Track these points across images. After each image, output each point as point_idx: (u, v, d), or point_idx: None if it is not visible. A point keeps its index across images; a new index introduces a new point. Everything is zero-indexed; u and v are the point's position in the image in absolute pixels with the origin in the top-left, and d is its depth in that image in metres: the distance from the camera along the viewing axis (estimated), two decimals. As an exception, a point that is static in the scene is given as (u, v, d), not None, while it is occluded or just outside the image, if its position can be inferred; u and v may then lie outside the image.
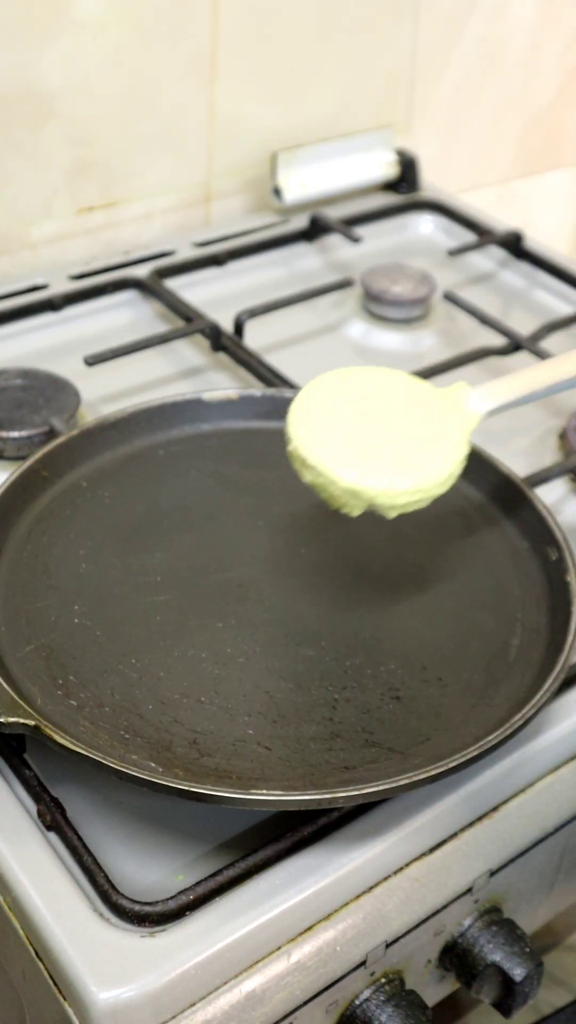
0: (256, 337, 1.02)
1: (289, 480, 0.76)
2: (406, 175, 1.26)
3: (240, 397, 0.86)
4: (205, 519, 0.79)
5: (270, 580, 0.75)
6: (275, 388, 0.91)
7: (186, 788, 0.59)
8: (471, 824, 0.67)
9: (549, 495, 0.85)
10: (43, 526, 0.76)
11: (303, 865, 0.61)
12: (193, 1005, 0.58)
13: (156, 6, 1.07)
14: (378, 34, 1.24)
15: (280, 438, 0.84)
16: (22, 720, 0.61)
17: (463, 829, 0.67)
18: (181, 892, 0.59)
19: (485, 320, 1.04)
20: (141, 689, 0.67)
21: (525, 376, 0.74)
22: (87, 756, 0.59)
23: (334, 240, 1.19)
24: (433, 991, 0.72)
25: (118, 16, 1.05)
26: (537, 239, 1.21)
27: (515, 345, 1.01)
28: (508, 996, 0.69)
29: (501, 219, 1.26)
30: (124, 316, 1.06)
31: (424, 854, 0.65)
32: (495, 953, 0.69)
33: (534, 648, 0.70)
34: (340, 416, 0.70)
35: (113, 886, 0.59)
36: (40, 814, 0.63)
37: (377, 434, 0.69)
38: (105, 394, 0.96)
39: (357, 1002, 0.66)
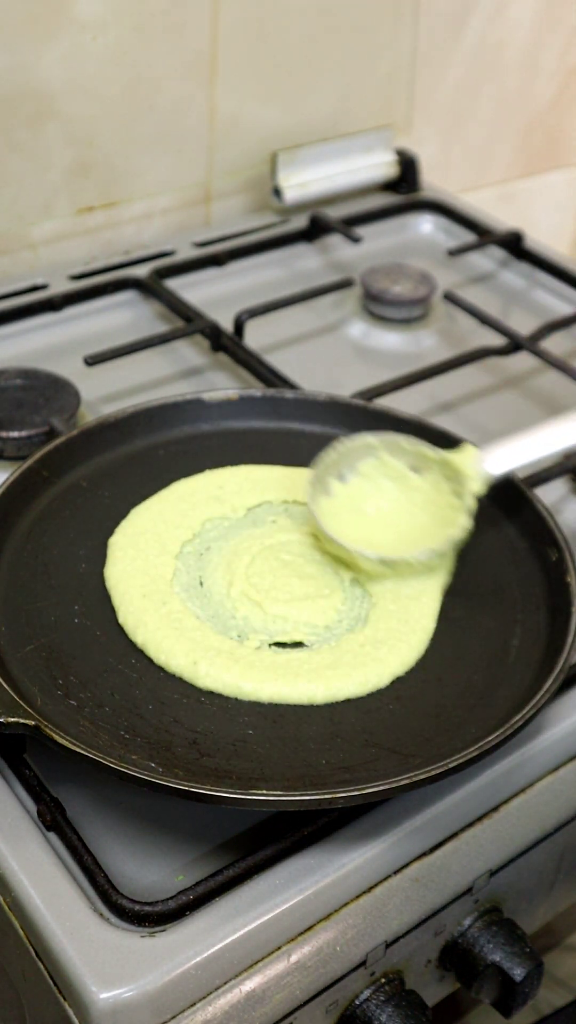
0: (256, 337, 1.02)
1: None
2: (406, 175, 1.26)
3: (240, 397, 0.86)
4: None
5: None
6: (275, 388, 0.92)
7: (186, 788, 0.59)
8: (471, 824, 0.67)
9: (549, 495, 0.85)
10: (43, 526, 0.76)
11: (303, 865, 0.61)
12: (193, 1005, 0.58)
13: (156, 6, 1.07)
14: (378, 34, 1.24)
15: (280, 438, 0.85)
16: (22, 720, 0.61)
17: (463, 829, 0.67)
18: (181, 892, 0.59)
19: (485, 320, 1.04)
20: (141, 689, 0.67)
21: (536, 439, 0.76)
22: (87, 756, 0.59)
23: (334, 240, 1.19)
24: (433, 991, 0.72)
25: (118, 16, 1.05)
26: (537, 239, 1.21)
27: (515, 345, 1.01)
28: (508, 996, 0.69)
29: (501, 219, 1.26)
30: (124, 316, 1.06)
31: (424, 854, 0.65)
32: (495, 953, 0.69)
33: (534, 648, 0.70)
34: (355, 502, 0.76)
35: (113, 886, 0.59)
36: (40, 814, 0.63)
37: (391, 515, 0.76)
38: (105, 394, 0.96)
39: (357, 1002, 0.66)
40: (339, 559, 0.74)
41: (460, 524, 0.73)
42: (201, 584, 0.73)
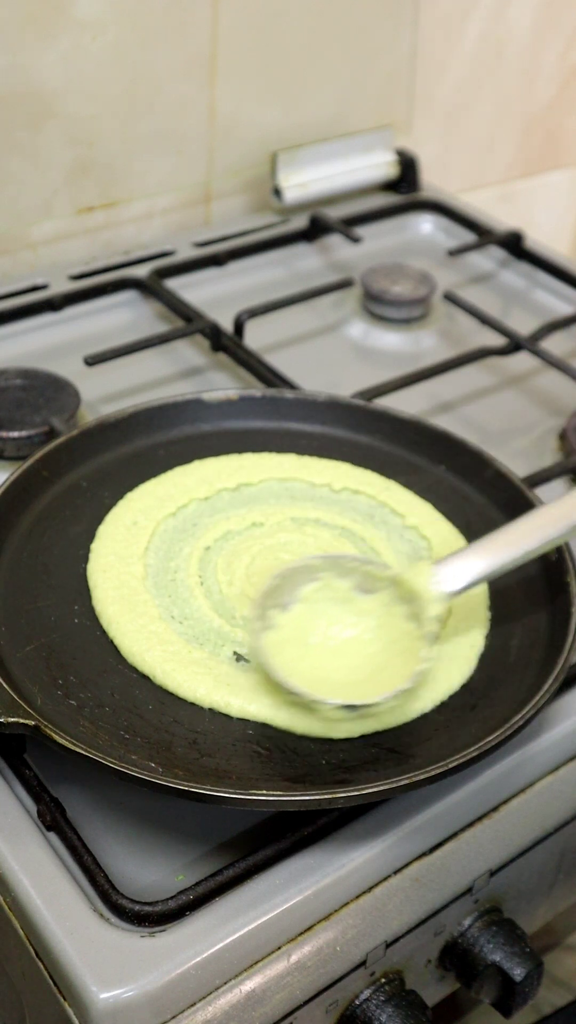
0: (256, 337, 1.02)
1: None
2: (406, 175, 1.26)
3: (240, 397, 0.86)
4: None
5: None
6: (275, 388, 0.92)
7: (186, 788, 0.59)
8: (471, 824, 0.67)
9: (549, 495, 0.85)
10: (43, 526, 0.76)
11: (303, 865, 0.61)
12: (193, 1005, 0.58)
13: (156, 6, 1.07)
14: (378, 34, 1.24)
15: (280, 438, 0.85)
16: (22, 720, 0.61)
17: (463, 829, 0.67)
18: (181, 892, 0.59)
19: (485, 320, 1.04)
20: (141, 689, 0.67)
21: (497, 545, 0.68)
22: (87, 756, 0.59)
23: (334, 240, 1.19)
24: (433, 991, 0.71)
25: (118, 16, 1.05)
26: (537, 239, 1.21)
27: (515, 345, 1.01)
28: (508, 996, 0.69)
29: (501, 219, 1.26)
30: (124, 316, 1.06)
31: (424, 854, 0.65)
32: (495, 953, 0.69)
33: (534, 648, 0.70)
34: (306, 646, 0.67)
35: (113, 886, 0.59)
36: (40, 814, 0.63)
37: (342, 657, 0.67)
38: (105, 394, 0.96)
39: (357, 1002, 0.66)
40: (371, 549, 0.73)
41: (424, 657, 0.65)
42: (173, 578, 0.73)
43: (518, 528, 0.69)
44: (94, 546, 0.74)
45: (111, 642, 0.69)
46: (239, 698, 0.65)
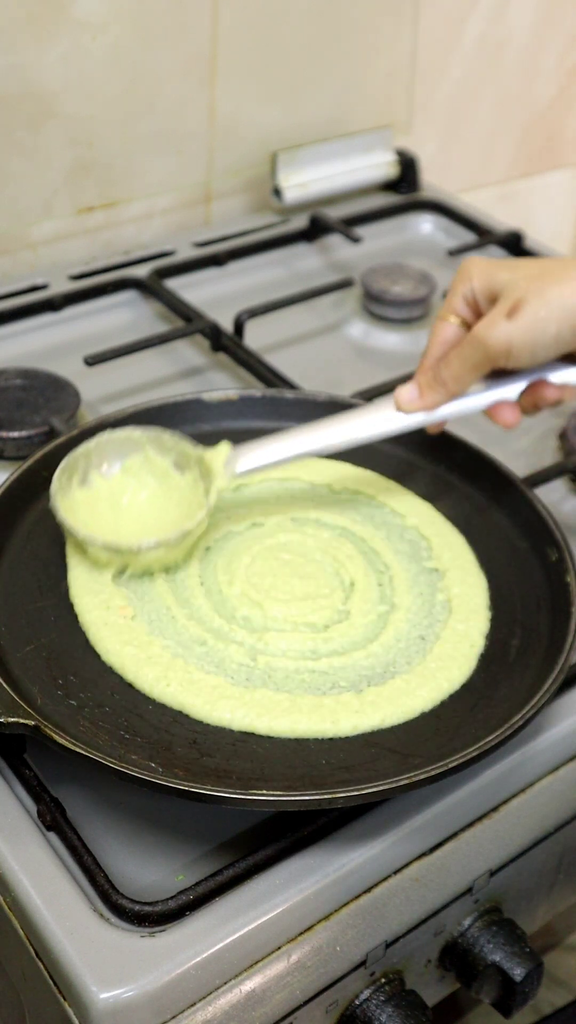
0: (256, 337, 1.02)
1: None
2: (406, 175, 1.26)
3: (240, 397, 0.86)
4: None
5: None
6: (275, 388, 0.92)
7: (186, 788, 0.59)
8: (471, 824, 0.67)
9: (549, 495, 0.85)
10: (43, 526, 0.76)
11: (303, 865, 0.61)
12: (193, 1005, 0.58)
13: (156, 6, 1.07)
14: (378, 34, 1.24)
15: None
16: (22, 720, 0.61)
17: (463, 829, 0.67)
18: (181, 892, 0.59)
19: (485, 320, 1.04)
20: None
21: (287, 442, 0.74)
22: (87, 756, 0.59)
23: (334, 240, 1.19)
24: (433, 991, 0.71)
25: (118, 16, 1.05)
26: (537, 239, 1.21)
27: (515, 345, 1.01)
28: (508, 996, 0.69)
29: (501, 219, 1.26)
30: (124, 316, 1.06)
31: (424, 854, 0.65)
32: (495, 953, 0.69)
33: (534, 648, 0.70)
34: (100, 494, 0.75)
35: (113, 886, 0.59)
36: (40, 814, 0.63)
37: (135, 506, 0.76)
38: (105, 394, 0.96)
39: (357, 1002, 0.66)
40: (371, 550, 0.75)
41: (196, 517, 0.72)
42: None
43: (321, 426, 0.75)
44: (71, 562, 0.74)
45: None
46: (240, 712, 0.65)
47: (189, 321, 1.02)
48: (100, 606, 0.70)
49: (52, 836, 0.62)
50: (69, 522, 0.71)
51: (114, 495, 0.75)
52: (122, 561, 0.72)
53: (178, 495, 0.75)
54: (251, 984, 0.59)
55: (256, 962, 0.60)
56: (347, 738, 0.64)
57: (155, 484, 0.76)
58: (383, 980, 0.67)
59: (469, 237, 1.21)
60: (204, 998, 0.58)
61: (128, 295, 1.08)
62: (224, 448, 0.75)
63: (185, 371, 1.00)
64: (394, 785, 0.60)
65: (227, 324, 1.02)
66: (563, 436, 0.94)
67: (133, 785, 0.59)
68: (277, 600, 0.71)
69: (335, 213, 1.19)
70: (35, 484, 0.78)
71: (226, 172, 1.20)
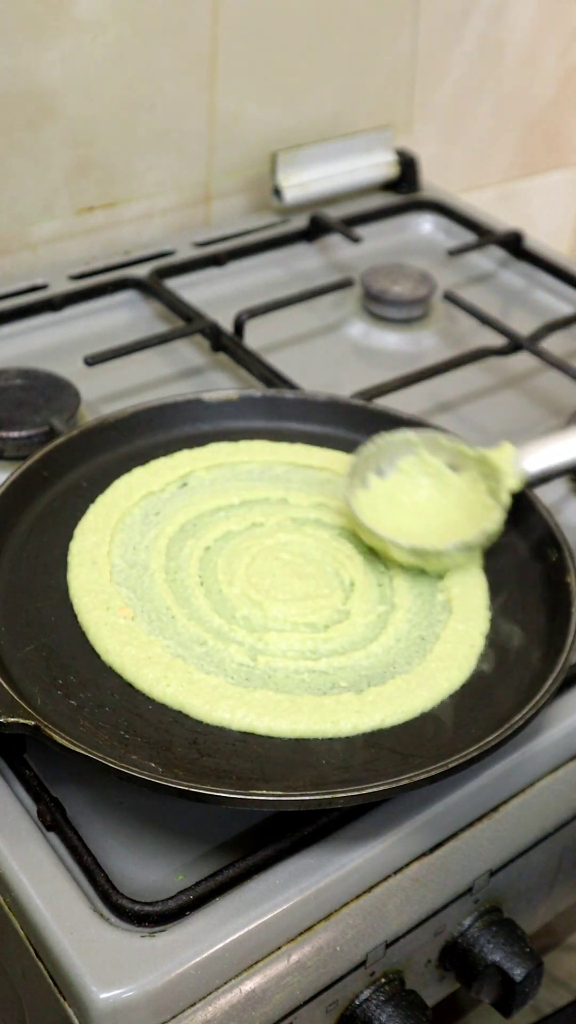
0: (256, 337, 1.02)
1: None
2: (406, 175, 1.26)
3: (240, 397, 0.86)
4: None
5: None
6: (275, 388, 0.92)
7: (186, 788, 0.59)
8: (471, 824, 0.67)
9: (549, 495, 0.85)
10: (43, 526, 0.76)
11: (303, 865, 0.61)
12: (193, 1005, 0.58)
13: (156, 6, 1.07)
14: (378, 34, 1.24)
15: (280, 438, 0.85)
16: (22, 720, 0.61)
17: (463, 829, 0.67)
18: (181, 892, 0.59)
19: (485, 320, 1.04)
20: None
21: (572, 440, 0.76)
22: (87, 756, 0.59)
23: (334, 240, 1.19)
24: (433, 991, 0.71)
25: (118, 16, 1.05)
26: (537, 239, 1.21)
27: (515, 345, 1.01)
28: (508, 996, 0.69)
29: (501, 219, 1.26)
30: (124, 316, 1.06)
31: (424, 854, 0.65)
32: (495, 953, 0.69)
33: (534, 648, 0.70)
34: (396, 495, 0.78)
35: (113, 886, 0.59)
36: (40, 814, 0.63)
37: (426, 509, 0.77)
38: (105, 394, 0.96)
39: (357, 1002, 0.66)
40: (371, 550, 0.76)
41: (494, 518, 0.74)
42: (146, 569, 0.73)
43: None
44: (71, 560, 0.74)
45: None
46: (240, 712, 0.65)
47: (189, 321, 1.02)
48: (100, 606, 0.70)
49: (52, 836, 0.62)
50: (371, 525, 0.73)
51: (393, 495, 0.77)
52: (421, 563, 0.73)
53: (456, 495, 0.77)
54: (251, 984, 0.59)
55: (256, 962, 0.60)
56: (347, 738, 0.65)
57: (430, 484, 0.78)
58: (383, 980, 0.67)
59: (469, 237, 1.21)
60: (204, 998, 0.58)
61: (128, 295, 1.08)
62: (508, 448, 0.76)
63: (185, 371, 1.00)
64: (394, 785, 0.60)
65: (227, 324, 1.02)
66: (563, 436, 0.94)
67: (133, 785, 0.59)
68: (277, 600, 0.71)
69: (335, 213, 1.19)
70: (35, 484, 0.78)
71: (226, 172, 1.20)
